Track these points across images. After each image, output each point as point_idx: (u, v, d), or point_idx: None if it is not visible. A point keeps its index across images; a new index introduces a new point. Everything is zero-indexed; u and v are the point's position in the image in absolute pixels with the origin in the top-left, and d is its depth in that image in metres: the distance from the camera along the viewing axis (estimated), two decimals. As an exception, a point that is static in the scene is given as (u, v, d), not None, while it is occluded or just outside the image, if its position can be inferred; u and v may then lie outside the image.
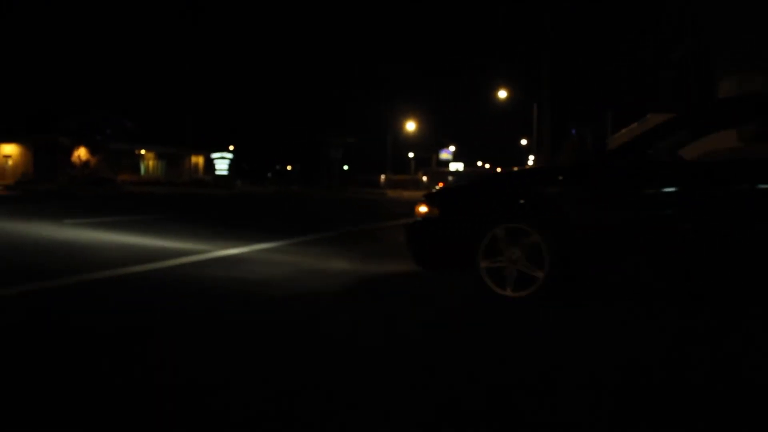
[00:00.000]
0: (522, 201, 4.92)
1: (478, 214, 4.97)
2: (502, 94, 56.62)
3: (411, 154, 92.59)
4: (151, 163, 58.67)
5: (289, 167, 69.87)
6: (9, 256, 6.86)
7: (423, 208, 5.29)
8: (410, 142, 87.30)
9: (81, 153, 48.73)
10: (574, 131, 79.53)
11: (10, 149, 51.53)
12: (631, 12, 20.49)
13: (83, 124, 48.25)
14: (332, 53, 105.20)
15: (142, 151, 56.69)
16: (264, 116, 65.05)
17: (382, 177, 77.18)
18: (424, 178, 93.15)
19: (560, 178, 5.00)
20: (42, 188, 36.37)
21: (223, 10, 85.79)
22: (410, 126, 79.31)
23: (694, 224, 4.43)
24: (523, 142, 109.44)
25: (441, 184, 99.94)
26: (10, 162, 51.43)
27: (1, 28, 51.10)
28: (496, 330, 3.97)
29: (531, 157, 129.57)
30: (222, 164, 53.58)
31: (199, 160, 63.93)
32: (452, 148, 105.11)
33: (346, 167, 77.48)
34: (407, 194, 48.34)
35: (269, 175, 75.18)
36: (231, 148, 60.02)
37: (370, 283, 5.70)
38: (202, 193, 35.53)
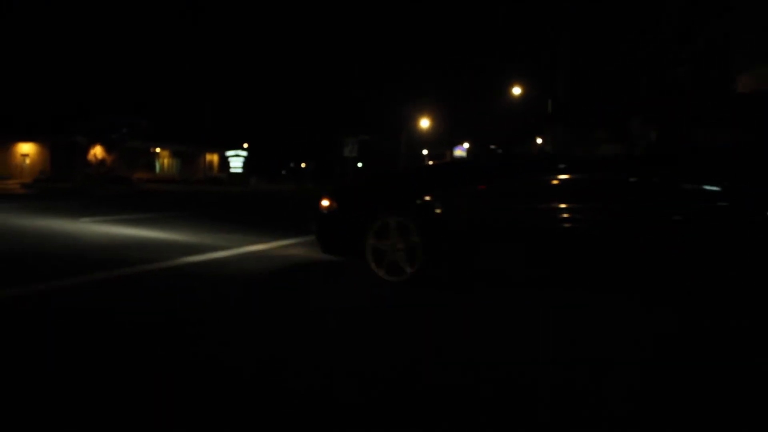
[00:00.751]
0: (402, 200, 5.58)
1: (367, 209, 5.69)
2: (517, 90, 56.41)
3: (425, 151, 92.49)
4: (166, 161, 59.01)
5: (302, 165, 69.97)
6: (59, 253, 6.94)
7: (325, 202, 5.96)
8: (425, 140, 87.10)
9: (97, 152, 49.06)
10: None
11: (28, 148, 51.99)
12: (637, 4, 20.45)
13: (99, 123, 48.50)
14: (346, 50, 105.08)
15: (157, 150, 57.03)
16: (278, 114, 65.13)
17: (396, 175, 77.06)
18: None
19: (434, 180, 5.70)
20: (59, 186, 36.69)
21: (239, 8, 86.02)
22: (424, 123, 79.14)
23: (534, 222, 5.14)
24: (539, 141, 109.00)
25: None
26: (27, 161, 51.89)
27: (18, 30, 51.40)
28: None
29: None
30: (236, 162, 53.66)
31: (213, 157, 64.23)
32: (466, 145, 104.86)
33: (360, 164, 77.52)
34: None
35: (283, 172, 75.40)
36: (245, 145, 60.09)
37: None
38: (217, 191, 35.72)
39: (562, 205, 5.02)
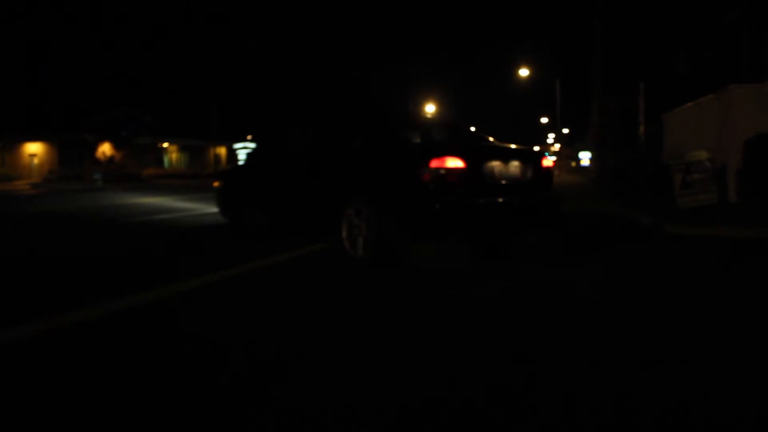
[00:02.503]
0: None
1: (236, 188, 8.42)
2: (522, 72, 55.83)
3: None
4: (174, 156, 58.68)
5: None
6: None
7: (216, 183, 8.89)
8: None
9: (105, 149, 48.80)
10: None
11: (35, 147, 51.66)
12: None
13: (106, 120, 48.27)
14: (347, 35, 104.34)
15: (165, 145, 56.67)
16: (283, 104, 64.64)
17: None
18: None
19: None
20: (70, 186, 36.41)
21: (244, 3, 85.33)
22: (429, 109, 78.66)
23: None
24: (543, 120, 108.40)
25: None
26: (35, 160, 51.59)
27: (21, 27, 50.96)
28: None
29: (551, 135, 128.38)
30: (245, 154, 53.34)
31: (221, 151, 63.88)
32: (471, 129, 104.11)
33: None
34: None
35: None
36: (249, 137, 59.68)
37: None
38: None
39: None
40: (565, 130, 79.28)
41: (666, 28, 21.18)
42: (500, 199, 5.82)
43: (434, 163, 5.48)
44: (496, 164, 5.86)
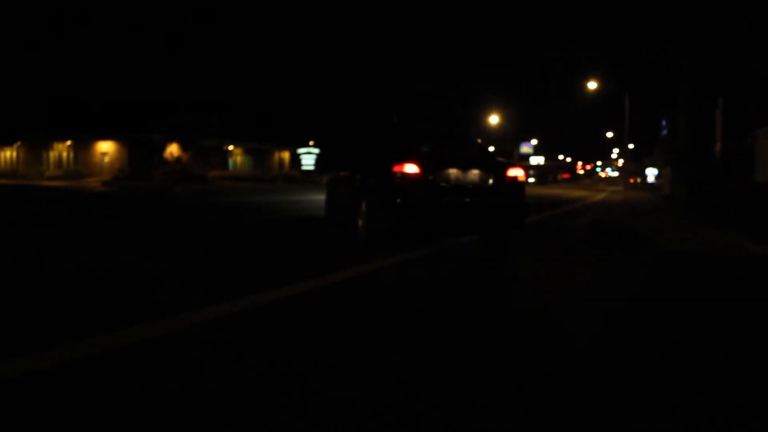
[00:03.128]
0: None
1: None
2: (589, 85, 54.83)
3: (491, 148, 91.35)
4: (238, 158, 59.65)
5: None
6: None
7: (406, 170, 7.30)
8: (493, 136, 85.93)
9: (173, 150, 49.88)
10: (664, 122, 76.42)
11: (107, 146, 53.31)
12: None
13: (174, 121, 49.33)
14: (415, 45, 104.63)
15: (230, 147, 57.65)
16: (348, 111, 65.07)
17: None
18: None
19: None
20: (140, 184, 37.34)
21: (306, 6, 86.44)
22: (493, 120, 78.00)
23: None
24: (609, 134, 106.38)
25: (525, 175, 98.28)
26: (106, 159, 53.22)
27: (95, 30, 52.71)
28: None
29: (615, 150, 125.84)
30: (308, 159, 53.76)
31: (284, 155, 64.62)
32: (534, 142, 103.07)
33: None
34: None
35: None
36: (311, 143, 60.22)
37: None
38: (292, 188, 35.65)
39: None
40: (630, 146, 77.49)
41: (750, 38, 20.35)
42: (454, 200, 7.12)
43: (396, 168, 7.05)
44: (453, 171, 7.19)
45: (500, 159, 7.85)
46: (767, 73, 19.54)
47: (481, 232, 7.88)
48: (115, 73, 52.23)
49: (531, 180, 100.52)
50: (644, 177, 66.59)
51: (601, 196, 33.23)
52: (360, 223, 7.66)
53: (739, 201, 11.04)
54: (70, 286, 4.67)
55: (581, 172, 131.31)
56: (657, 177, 62.67)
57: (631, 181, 65.76)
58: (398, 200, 6.87)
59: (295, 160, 59.16)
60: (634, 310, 4.29)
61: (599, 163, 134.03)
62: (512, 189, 7.41)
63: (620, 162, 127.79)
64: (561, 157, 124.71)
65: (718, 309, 4.35)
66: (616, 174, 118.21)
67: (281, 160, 64.63)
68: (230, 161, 58.47)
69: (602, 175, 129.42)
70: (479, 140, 8.83)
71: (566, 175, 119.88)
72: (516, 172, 7.49)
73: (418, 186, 7.00)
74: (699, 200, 13.74)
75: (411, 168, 7.02)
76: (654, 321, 3.91)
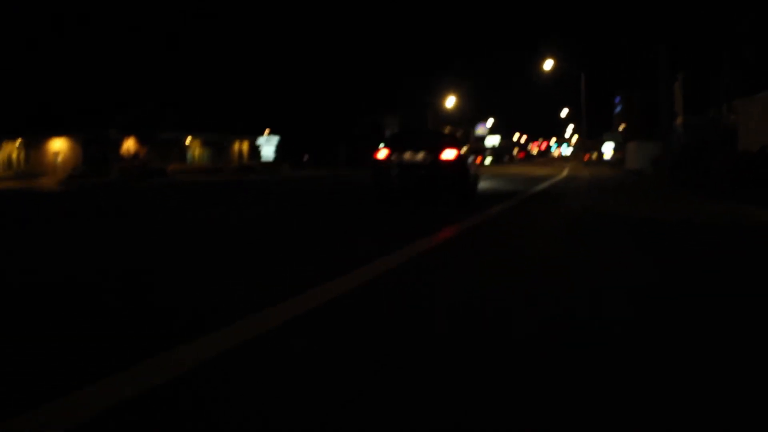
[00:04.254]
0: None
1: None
2: (543, 65, 55.27)
3: (446, 130, 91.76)
4: (197, 151, 58.56)
5: (306, 154, 68.76)
6: None
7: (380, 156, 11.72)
8: (449, 118, 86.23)
9: (129, 145, 48.79)
10: (618, 99, 77.60)
11: (59, 144, 51.73)
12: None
13: (129, 115, 48.24)
14: (368, 27, 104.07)
15: (188, 140, 56.55)
16: (303, 98, 64.40)
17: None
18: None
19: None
20: (96, 182, 36.34)
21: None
22: (450, 102, 78.24)
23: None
24: (564, 112, 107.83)
25: (478, 159, 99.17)
26: (60, 157, 51.67)
27: (44, 25, 50.98)
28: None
29: (570, 126, 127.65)
30: (268, 148, 53.18)
31: (243, 145, 63.67)
32: (490, 122, 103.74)
33: (382, 145, 76.63)
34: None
35: (306, 158, 74.33)
36: (267, 131, 59.50)
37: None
38: (257, 180, 35.11)
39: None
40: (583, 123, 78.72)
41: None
42: (407, 171, 11.32)
43: (375, 154, 11.73)
44: (408, 153, 11.36)
45: (447, 143, 11.74)
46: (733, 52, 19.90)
47: (423, 192, 11.67)
48: (67, 70, 50.56)
49: (487, 161, 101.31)
50: (600, 154, 67.70)
51: (563, 173, 33.45)
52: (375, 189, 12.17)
53: (731, 171, 11.15)
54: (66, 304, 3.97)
55: (534, 151, 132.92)
56: (614, 152, 63.80)
57: (585, 158, 66.77)
58: (375, 172, 11.78)
59: (255, 149, 58.41)
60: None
61: (554, 140, 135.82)
62: (446, 165, 11.25)
63: (574, 140, 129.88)
64: (516, 136, 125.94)
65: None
66: (570, 151, 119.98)
67: (240, 151, 63.72)
68: (188, 154, 57.37)
69: (555, 153, 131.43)
70: (446, 130, 14.60)
71: (521, 155, 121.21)
72: (448, 155, 11.31)
73: (385, 163, 11.47)
74: (682, 173, 13.91)
75: (382, 153, 11.68)
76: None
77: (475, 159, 14.14)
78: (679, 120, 29.31)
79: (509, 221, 8.41)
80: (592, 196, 13.30)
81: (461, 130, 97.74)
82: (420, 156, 11.18)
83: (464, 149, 11.92)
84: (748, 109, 14.93)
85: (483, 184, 19.23)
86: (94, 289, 4.34)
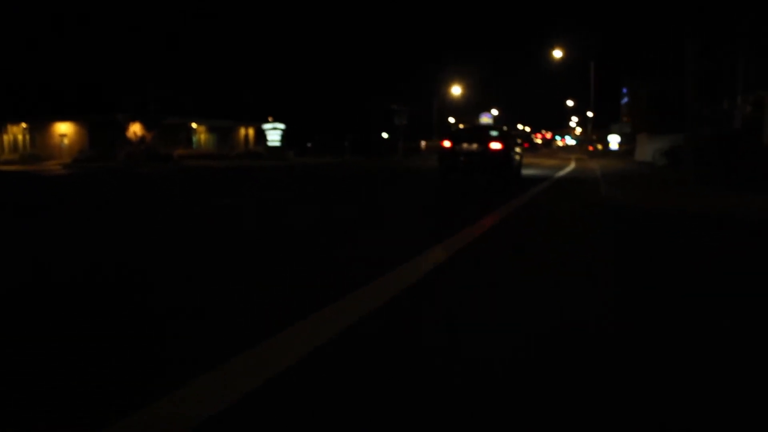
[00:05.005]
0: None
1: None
2: (551, 54, 55.05)
3: (452, 119, 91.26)
4: (203, 136, 58.36)
5: (309, 142, 68.41)
6: None
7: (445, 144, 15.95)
8: (454, 107, 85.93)
9: (136, 129, 48.60)
10: (624, 90, 77.08)
11: (65, 128, 51.57)
12: None
13: (136, 100, 48.03)
14: (375, 17, 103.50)
15: (194, 125, 56.35)
16: (310, 86, 64.14)
17: (423, 143, 76.08)
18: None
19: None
20: (103, 166, 36.24)
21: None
22: (455, 90, 77.90)
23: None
24: (570, 103, 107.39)
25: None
26: (65, 141, 51.53)
27: (54, 7, 50.67)
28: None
29: (574, 119, 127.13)
30: (274, 135, 52.80)
31: (249, 131, 63.46)
32: (494, 112, 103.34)
33: (385, 135, 76.52)
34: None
35: (309, 145, 74.07)
36: (270, 118, 59.22)
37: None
38: (265, 166, 35.03)
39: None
40: (590, 114, 78.34)
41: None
42: (463, 159, 15.17)
43: (441, 143, 16.03)
44: (465, 144, 15.25)
45: (494, 138, 15.47)
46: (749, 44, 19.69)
47: (479, 173, 15.50)
48: (71, 51, 50.25)
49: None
50: (605, 144, 67.38)
51: (571, 165, 33.27)
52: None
53: (761, 164, 10.97)
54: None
55: (539, 141, 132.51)
56: (620, 144, 63.49)
57: (590, 148, 66.51)
58: (441, 157, 15.93)
59: (261, 136, 58.15)
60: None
61: (558, 134, 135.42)
62: (493, 153, 15.10)
63: (578, 130, 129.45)
64: (520, 126, 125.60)
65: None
66: (574, 142, 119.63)
67: (246, 137, 63.50)
68: (194, 139, 57.20)
69: (560, 144, 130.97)
70: (504, 128, 17.05)
71: (525, 145, 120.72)
72: (495, 146, 15.17)
73: (449, 150, 15.64)
74: (705, 166, 13.69)
75: (446, 143, 15.90)
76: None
77: (522, 151, 19.23)
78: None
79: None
80: (621, 192, 13.18)
81: (471, 119, 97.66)
82: (474, 146, 15.27)
83: (511, 142, 16.11)
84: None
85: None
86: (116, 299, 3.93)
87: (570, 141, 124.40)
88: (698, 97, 24.54)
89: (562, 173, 23.18)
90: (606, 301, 3.59)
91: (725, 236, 6.39)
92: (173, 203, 11.16)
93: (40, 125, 52.23)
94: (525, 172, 20.12)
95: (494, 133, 15.71)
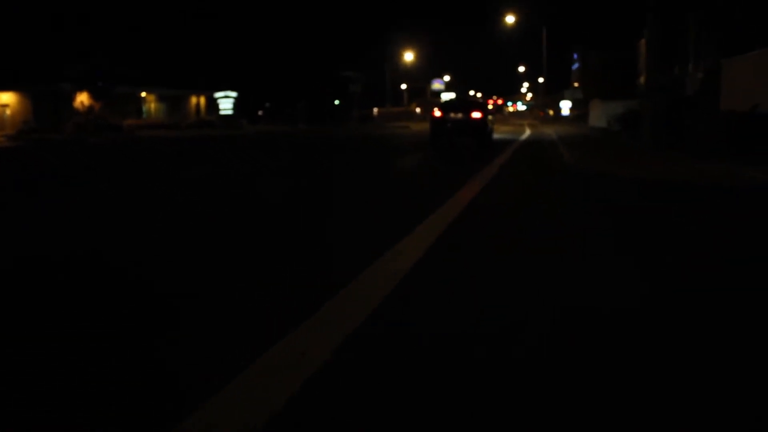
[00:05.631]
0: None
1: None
2: (502, 20, 55.26)
3: (404, 86, 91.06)
4: (152, 105, 56.86)
5: (260, 110, 67.42)
6: None
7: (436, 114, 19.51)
8: (406, 74, 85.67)
9: (83, 99, 47.15)
10: (576, 56, 78.00)
11: (7, 98, 49.63)
12: None
13: (83, 69, 46.47)
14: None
15: (143, 94, 54.80)
16: (260, 52, 63.06)
17: (375, 110, 75.90)
18: (418, 110, 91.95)
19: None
20: (52, 138, 35.13)
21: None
22: (408, 57, 77.62)
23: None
24: (521, 69, 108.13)
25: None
26: (8, 111, 49.64)
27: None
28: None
29: (525, 85, 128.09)
30: (226, 104, 52.01)
31: (201, 100, 62.03)
32: (446, 78, 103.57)
33: (336, 102, 76.06)
34: (420, 127, 47.32)
35: (260, 113, 73.03)
36: (218, 87, 58.14)
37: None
38: (221, 136, 34.51)
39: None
40: (540, 80, 79.11)
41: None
42: (452, 124, 18.73)
43: (432, 113, 19.61)
44: (451, 114, 18.87)
45: (475, 107, 19.14)
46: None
47: (463, 137, 18.72)
48: (15, 20, 48.23)
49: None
50: (556, 110, 68.28)
51: (527, 132, 33.62)
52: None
53: (720, 130, 11.24)
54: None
55: (490, 107, 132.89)
56: (571, 109, 64.41)
57: (541, 114, 67.36)
58: (432, 124, 19.20)
59: (212, 105, 57.10)
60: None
61: (509, 100, 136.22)
62: (474, 120, 18.55)
63: (529, 96, 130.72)
64: (472, 92, 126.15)
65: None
66: (525, 108, 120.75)
67: (198, 106, 62.13)
68: (144, 109, 55.71)
69: (511, 109, 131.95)
70: (478, 98, 22.13)
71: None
72: (475, 115, 18.69)
73: (439, 119, 18.91)
74: (661, 132, 13.93)
75: (437, 113, 19.22)
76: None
77: (493, 118, 23.70)
78: (642, 78, 29.70)
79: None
80: (585, 160, 13.45)
81: (422, 85, 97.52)
82: (459, 115, 18.83)
83: (486, 111, 19.64)
84: (735, 68, 15.11)
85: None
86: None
87: (521, 107, 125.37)
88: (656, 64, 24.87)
89: (521, 138, 23.62)
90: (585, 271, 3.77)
91: (703, 206, 6.65)
92: (136, 177, 10.95)
93: (-22, 95, 50.16)
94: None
95: (474, 104, 20.01)
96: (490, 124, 20.60)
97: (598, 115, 32.60)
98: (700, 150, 11.42)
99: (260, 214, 6.40)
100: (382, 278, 3.43)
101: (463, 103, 19.80)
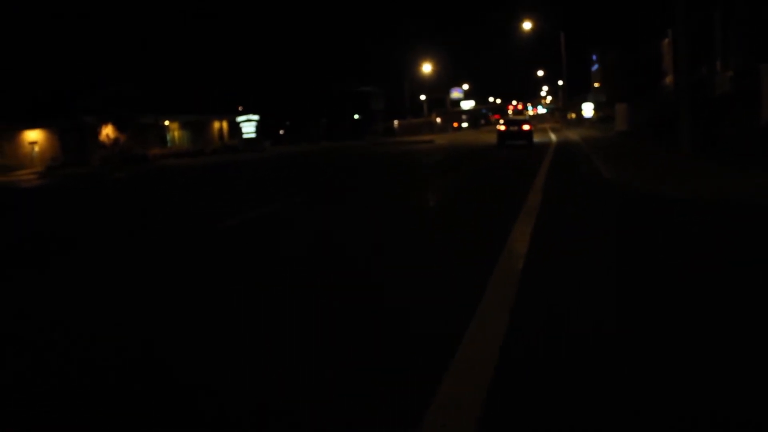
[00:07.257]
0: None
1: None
2: (521, 26, 55.05)
3: (423, 97, 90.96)
4: (176, 133, 57.30)
5: (282, 130, 67.67)
6: None
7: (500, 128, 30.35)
8: (424, 85, 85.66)
9: (108, 131, 47.74)
10: (594, 57, 77.28)
11: (35, 135, 50.36)
12: None
13: (105, 100, 47.07)
14: (344, 2, 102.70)
15: (166, 122, 55.24)
16: (280, 74, 63.45)
17: (396, 123, 75.88)
18: (438, 120, 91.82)
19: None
20: (77, 172, 35.57)
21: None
22: (426, 68, 77.61)
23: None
24: (540, 73, 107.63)
25: (456, 124, 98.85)
26: (36, 148, 50.35)
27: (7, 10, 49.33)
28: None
29: (545, 88, 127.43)
30: (249, 127, 52.37)
31: (223, 125, 62.32)
32: (465, 86, 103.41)
33: (356, 116, 76.18)
34: (445, 139, 47.12)
35: (281, 132, 73.44)
36: (240, 108, 58.54)
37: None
38: (248, 160, 34.63)
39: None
40: (560, 82, 78.44)
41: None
42: (511, 133, 28.92)
43: (498, 126, 31.29)
44: (512, 126, 29.35)
45: (525, 121, 29.54)
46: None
47: (519, 141, 27.99)
48: (35, 54, 49.04)
49: (465, 125, 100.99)
50: (578, 112, 67.76)
51: (553, 137, 33.47)
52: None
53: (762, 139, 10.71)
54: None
55: (510, 112, 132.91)
56: (594, 111, 63.89)
57: (567, 117, 67.03)
58: (499, 134, 29.29)
59: (234, 128, 57.39)
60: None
61: (529, 104, 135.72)
62: (525, 131, 28.33)
63: (548, 99, 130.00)
64: (491, 99, 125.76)
65: None
66: (545, 111, 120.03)
67: (221, 131, 62.48)
68: (168, 137, 56.16)
69: (531, 113, 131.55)
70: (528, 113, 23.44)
71: (497, 116, 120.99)
72: (525, 126, 28.67)
73: (503, 130, 29.30)
74: (696, 139, 13.42)
75: (502, 127, 29.83)
76: None
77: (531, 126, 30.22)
78: (668, 79, 29.29)
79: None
80: (622, 172, 13.06)
81: (441, 95, 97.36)
82: (515, 128, 28.53)
83: (531, 123, 29.82)
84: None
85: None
86: None
87: (541, 110, 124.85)
88: (684, 65, 24.45)
89: (551, 146, 23.69)
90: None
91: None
92: (165, 226, 10.53)
93: (8, 134, 50.94)
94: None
95: (523, 120, 29.47)
96: (533, 133, 29.43)
97: (624, 119, 32.19)
98: (739, 159, 10.97)
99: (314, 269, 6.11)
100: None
101: (517, 120, 30.51)
